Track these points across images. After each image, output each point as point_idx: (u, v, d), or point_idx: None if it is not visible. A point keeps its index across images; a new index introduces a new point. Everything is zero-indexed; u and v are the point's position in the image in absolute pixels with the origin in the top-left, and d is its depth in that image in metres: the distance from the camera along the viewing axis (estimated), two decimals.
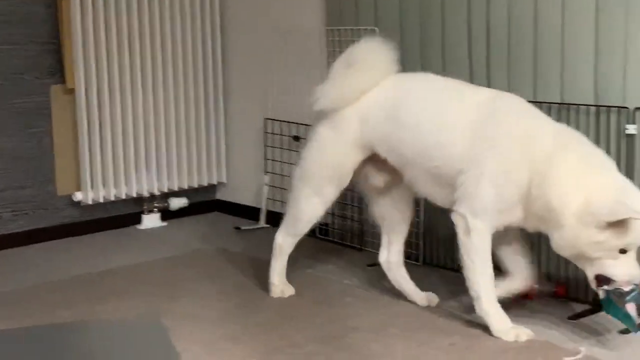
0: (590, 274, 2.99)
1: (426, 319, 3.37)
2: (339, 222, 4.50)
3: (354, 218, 4.41)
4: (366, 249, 4.33)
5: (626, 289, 2.92)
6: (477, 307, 3.18)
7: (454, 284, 3.65)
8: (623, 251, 2.91)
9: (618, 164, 3.28)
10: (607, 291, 2.96)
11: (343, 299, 3.63)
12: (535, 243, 3.53)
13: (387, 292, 3.68)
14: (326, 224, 4.53)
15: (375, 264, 3.79)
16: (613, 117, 3.34)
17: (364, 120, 3.42)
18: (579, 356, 2.96)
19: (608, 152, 3.31)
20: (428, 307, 3.50)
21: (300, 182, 3.60)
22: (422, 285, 3.70)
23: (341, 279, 3.92)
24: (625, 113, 3.30)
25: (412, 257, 4.11)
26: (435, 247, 4.09)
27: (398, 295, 3.63)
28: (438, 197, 3.38)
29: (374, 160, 3.50)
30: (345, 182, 3.55)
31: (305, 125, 4.53)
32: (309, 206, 3.59)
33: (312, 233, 4.56)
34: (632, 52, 3.26)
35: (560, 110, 3.50)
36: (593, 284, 3.01)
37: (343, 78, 3.46)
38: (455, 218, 3.21)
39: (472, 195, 3.14)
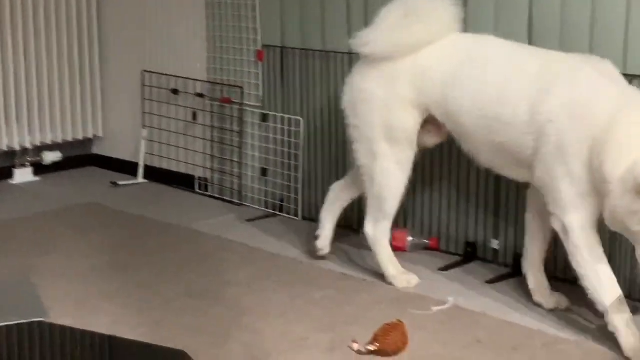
0: (638, 252, 2.63)
1: (302, 273, 3.41)
2: (218, 177, 4.48)
3: (234, 173, 4.40)
4: (245, 204, 4.34)
5: None
6: (613, 319, 2.70)
7: (336, 236, 3.71)
8: None
9: None
10: None
11: (220, 254, 3.62)
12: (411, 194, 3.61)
13: (265, 247, 3.70)
14: (205, 179, 4.51)
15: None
16: None
17: (419, 79, 3.11)
18: (447, 306, 3.04)
19: None
20: (304, 262, 3.55)
21: (366, 155, 3.26)
22: (301, 240, 3.75)
23: (219, 234, 3.91)
24: None
25: (292, 211, 4.14)
26: (314, 202, 4.12)
27: (276, 249, 3.67)
28: (515, 176, 3.07)
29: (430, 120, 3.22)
30: (414, 143, 3.22)
31: (185, 78, 4.50)
32: (387, 178, 3.24)
33: (190, 188, 4.58)
34: None
35: None
36: None
37: (399, 27, 3.14)
38: (553, 223, 2.87)
39: (551, 189, 2.83)
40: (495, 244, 3.48)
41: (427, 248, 3.66)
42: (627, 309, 2.72)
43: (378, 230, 3.30)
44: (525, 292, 3.15)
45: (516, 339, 2.77)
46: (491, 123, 2.94)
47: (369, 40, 3.15)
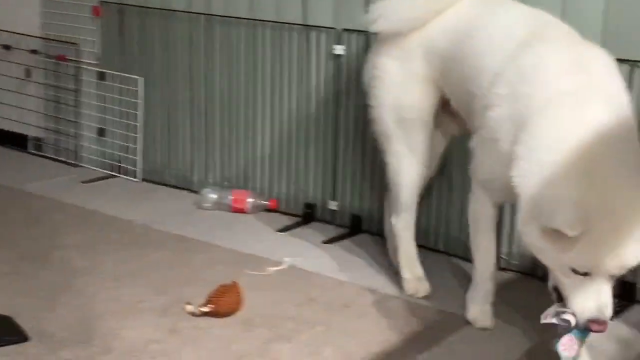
0: (550, 283, 2.28)
1: (138, 235, 3.36)
2: (53, 137, 4.34)
3: (70, 133, 4.27)
4: (82, 165, 4.23)
5: (571, 320, 2.14)
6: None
7: (175, 197, 3.68)
8: (585, 273, 2.09)
9: (327, 84, 3.42)
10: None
11: (53, 217, 3.52)
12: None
13: (101, 209, 3.62)
14: (39, 139, 4.37)
15: None
16: (322, 38, 3.45)
17: (430, 50, 2.79)
18: (283, 266, 3.07)
19: (318, 72, 3.45)
20: (140, 224, 3.49)
21: (381, 139, 2.96)
22: (140, 202, 3.71)
23: (53, 196, 3.79)
24: (333, 34, 3.41)
25: (130, 173, 4.07)
26: (152, 164, 4.06)
27: (112, 211, 3.60)
28: None
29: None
30: (431, 125, 2.88)
31: (18, 34, 4.31)
32: (399, 164, 2.90)
33: (23, 148, 4.42)
34: None
35: (273, 29, 3.57)
36: (553, 296, 2.26)
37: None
38: None
39: (474, 155, 2.60)
40: (333, 205, 3.53)
41: (266, 209, 3.68)
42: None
43: (399, 223, 2.97)
44: (360, 252, 3.23)
45: (348, 297, 2.82)
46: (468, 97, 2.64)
47: (379, 14, 2.84)
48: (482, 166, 2.51)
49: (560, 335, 2.13)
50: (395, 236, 2.98)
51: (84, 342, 2.47)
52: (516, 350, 2.49)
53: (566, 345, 2.13)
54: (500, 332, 2.58)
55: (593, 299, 2.08)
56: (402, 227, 2.96)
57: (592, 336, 2.20)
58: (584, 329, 2.11)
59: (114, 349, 2.44)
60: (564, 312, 2.13)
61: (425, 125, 2.85)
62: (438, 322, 2.66)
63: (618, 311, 2.69)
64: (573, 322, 2.12)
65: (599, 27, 2.80)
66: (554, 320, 2.14)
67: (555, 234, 2.02)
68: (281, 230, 3.49)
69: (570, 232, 1.97)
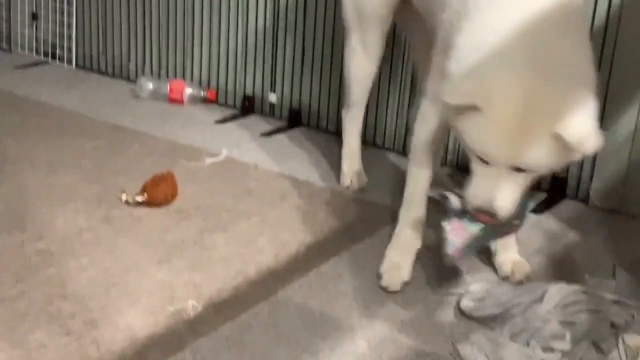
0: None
1: (72, 123, 3.31)
2: None
3: (2, 17, 4.13)
4: (15, 51, 4.11)
5: (453, 200, 2.09)
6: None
7: (111, 86, 3.61)
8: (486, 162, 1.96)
9: None
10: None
11: None
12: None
13: (34, 95, 3.53)
14: None
15: None
16: None
17: None
18: (220, 158, 3.06)
19: None
20: (75, 111, 3.42)
21: (345, 32, 2.86)
22: (75, 89, 3.64)
23: None
24: None
25: (65, 59, 3.97)
26: (88, 50, 3.96)
27: (46, 97, 3.52)
28: None
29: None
30: (388, 25, 2.78)
31: None
32: (351, 59, 2.84)
33: None
34: None
35: None
36: None
37: None
38: None
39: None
40: (272, 98, 3.51)
41: (205, 100, 3.64)
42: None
43: (347, 117, 2.97)
44: (297, 145, 3.22)
45: (284, 189, 2.83)
46: None
47: None
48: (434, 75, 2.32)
49: (448, 217, 2.06)
50: (342, 129, 2.99)
51: (16, 229, 2.45)
52: None
53: (455, 229, 2.05)
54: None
55: (485, 188, 1.94)
56: (349, 120, 2.95)
57: (518, 234, 2.27)
58: (472, 218, 2.02)
59: (47, 237, 2.42)
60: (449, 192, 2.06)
61: (382, 23, 2.76)
62: (372, 215, 2.68)
63: (547, 206, 2.79)
64: (455, 204, 2.05)
65: None
66: (434, 195, 2.12)
67: (459, 111, 1.92)
68: (219, 122, 3.46)
69: (449, 99, 1.90)
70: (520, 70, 1.86)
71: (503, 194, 1.93)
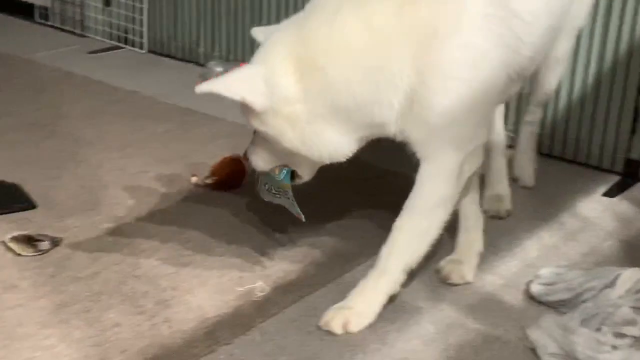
0: None
1: (144, 107, 3.35)
2: (60, 6, 4.28)
3: (76, 2, 4.20)
4: (88, 35, 4.18)
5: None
6: None
7: (181, 70, 3.63)
8: None
9: None
10: None
11: (58, 86, 3.52)
12: None
13: (107, 79, 3.59)
14: (45, 8, 4.30)
15: None
16: None
17: None
18: None
19: None
20: (146, 95, 3.46)
21: None
22: (145, 73, 3.68)
23: (59, 65, 3.76)
24: None
25: (137, 44, 4.02)
26: (159, 35, 4.01)
27: (118, 82, 3.57)
28: None
29: None
30: None
31: None
32: None
33: (30, 17, 4.36)
34: None
35: None
36: None
37: None
38: None
39: None
40: None
41: None
42: None
43: None
44: None
45: (351, 176, 2.81)
46: None
47: None
48: None
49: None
50: None
51: (89, 210, 2.51)
52: None
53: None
54: None
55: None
56: None
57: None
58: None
59: (120, 218, 2.47)
60: None
61: None
62: None
63: (620, 189, 2.75)
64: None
65: None
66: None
67: None
68: None
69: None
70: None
71: (251, 148, 2.19)
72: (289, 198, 2.19)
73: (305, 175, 2.16)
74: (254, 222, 2.48)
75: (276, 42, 2.02)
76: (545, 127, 2.95)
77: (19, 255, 2.26)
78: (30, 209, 2.50)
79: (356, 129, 1.99)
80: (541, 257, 2.34)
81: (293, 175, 2.16)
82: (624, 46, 2.77)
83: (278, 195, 2.22)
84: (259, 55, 2.04)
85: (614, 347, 1.91)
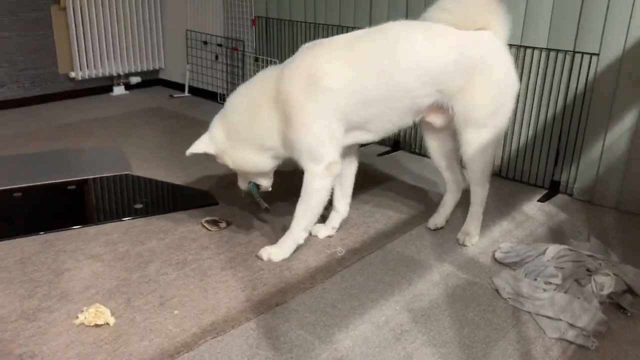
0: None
1: None
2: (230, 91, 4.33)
3: None
4: None
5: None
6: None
7: None
8: None
9: None
10: None
11: None
12: None
13: None
14: (223, 94, 4.37)
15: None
16: None
17: None
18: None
19: None
20: None
21: None
22: None
23: None
24: None
25: None
26: None
27: None
28: None
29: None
30: None
31: (211, 34, 4.28)
32: None
33: (215, 99, 4.42)
34: None
35: None
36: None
37: None
38: None
39: None
40: None
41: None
42: None
43: None
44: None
45: (394, 171, 2.76)
46: None
47: None
48: None
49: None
50: None
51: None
52: None
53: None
54: None
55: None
56: None
57: (529, 211, 2.14)
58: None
59: (271, 209, 2.42)
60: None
61: None
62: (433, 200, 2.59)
63: (546, 198, 2.61)
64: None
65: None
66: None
67: None
68: (380, 155, 3.34)
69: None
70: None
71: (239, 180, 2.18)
72: (259, 199, 2.23)
73: (263, 183, 2.16)
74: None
75: (215, 119, 2.07)
76: (503, 158, 2.85)
77: (209, 230, 2.26)
78: (215, 204, 2.48)
79: (262, 151, 2.01)
80: (501, 237, 2.26)
81: (257, 186, 2.17)
82: (551, 109, 2.66)
83: (259, 200, 2.25)
84: (211, 130, 2.07)
85: (544, 290, 1.84)
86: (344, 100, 1.87)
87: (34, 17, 4.03)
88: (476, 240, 2.20)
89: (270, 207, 2.35)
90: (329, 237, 2.21)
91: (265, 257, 2.04)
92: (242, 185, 2.20)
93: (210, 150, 2.06)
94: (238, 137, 2.00)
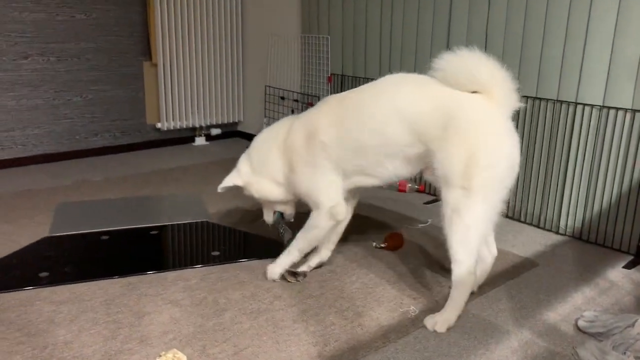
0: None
1: None
2: None
3: None
4: None
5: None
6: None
7: None
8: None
9: None
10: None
11: None
12: None
13: None
14: None
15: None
16: None
17: None
18: (427, 224, 2.93)
19: None
20: None
21: None
22: None
23: None
24: None
25: None
26: None
27: None
28: None
29: None
30: None
31: (288, 90, 4.44)
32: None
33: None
34: None
35: None
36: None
37: None
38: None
39: None
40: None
41: (418, 191, 3.57)
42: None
43: None
44: None
45: None
46: None
47: None
48: None
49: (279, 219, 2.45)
50: None
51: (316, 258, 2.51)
52: None
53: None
54: None
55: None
56: None
57: (614, 277, 2.01)
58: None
59: (334, 262, 2.41)
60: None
61: None
62: (518, 263, 2.49)
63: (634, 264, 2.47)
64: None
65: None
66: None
67: None
68: (426, 203, 3.32)
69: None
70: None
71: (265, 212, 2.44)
72: (282, 232, 2.48)
73: (287, 211, 2.39)
74: (409, 271, 2.39)
75: (242, 157, 2.37)
76: (584, 221, 2.72)
77: (288, 281, 2.28)
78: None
79: (278, 185, 2.25)
80: (584, 304, 2.14)
81: (282, 215, 2.41)
82: (637, 170, 2.54)
83: (282, 232, 2.47)
84: (238, 166, 2.35)
85: None
86: (336, 152, 2.05)
87: (128, 72, 4.38)
88: (443, 330, 1.92)
89: (292, 236, 2.43)
90: (304, 272, 2.32)
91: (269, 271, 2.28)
92: (267, 217, 2.43)
93: (238, 182, 2.32)
94: (259, 172, 2.28)
